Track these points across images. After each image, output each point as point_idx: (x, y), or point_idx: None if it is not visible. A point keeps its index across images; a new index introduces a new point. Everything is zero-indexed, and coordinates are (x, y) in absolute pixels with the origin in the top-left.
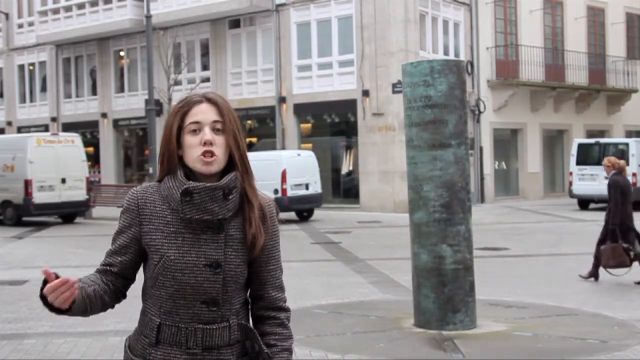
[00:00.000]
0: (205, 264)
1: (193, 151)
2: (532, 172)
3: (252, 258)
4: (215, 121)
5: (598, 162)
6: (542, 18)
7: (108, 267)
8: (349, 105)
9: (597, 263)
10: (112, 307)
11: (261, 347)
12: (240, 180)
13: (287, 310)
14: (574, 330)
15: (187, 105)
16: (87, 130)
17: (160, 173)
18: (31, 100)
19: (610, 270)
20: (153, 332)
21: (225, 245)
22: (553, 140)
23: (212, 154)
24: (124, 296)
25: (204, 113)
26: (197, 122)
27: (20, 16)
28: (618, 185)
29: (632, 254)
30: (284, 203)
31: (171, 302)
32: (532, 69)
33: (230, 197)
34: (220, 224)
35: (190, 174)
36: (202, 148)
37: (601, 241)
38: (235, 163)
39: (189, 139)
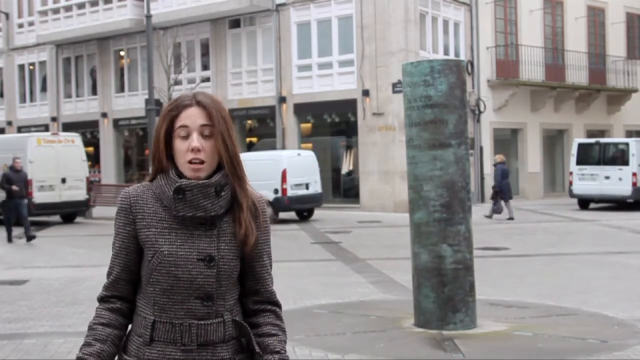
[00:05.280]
0: (198, 258)
1: (181, 156)
2: (532, 172)
3: (246, 254)
4: (203, 125)
5: (598, 162)
6: (542, 18)
7: (114, 280)
8: (349, 105)
9: None
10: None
11: (254, 345)
12: (231, 181)
13: (280, 305)
14: (574, 330)
15: (176, 109)
16: (87, 130)
17: (153, 173)
18: (31, 100)
19: None
20: (147, 330)
21: (218, 240)
22: (553, 140)
23: (200, 160)
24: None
25: (192, 117)
26: (185, 127)
27: (20, 16)
28: None
29: None
30: (284, 203)
31: (165, 298)
32: (532, 68)
33: (223, 193)
34: (212, 220)
35: (182, 172)
36: (190, 154)
37: None
38: (224, 166)
39: (178, 144)
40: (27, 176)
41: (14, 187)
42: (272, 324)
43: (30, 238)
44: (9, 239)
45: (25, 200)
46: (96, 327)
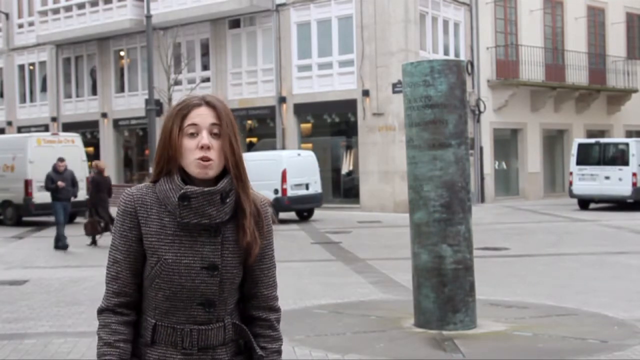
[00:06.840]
0: (202, 266)
1: (190, 155)
2: (532, 172)
3: (248, 262)
4: (213, 124)
5: (598, 162)
6: (542, 18)
7: (123, 284)
8: (349, 105)
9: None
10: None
11: (254, 346)
12: (235, 185)
13: (277, 310)
14: (574, 330)
15: (186, 108)
16: (87, 130)
17: (155, 174)
18: (31, 100)
19: (87, 236)
20: (148, 332)
21: (222, 248)
22: (553, 140)
23: (209, 158)
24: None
25: (202, 116)
26: (195, 125)
27: (20, 16)
28: (95, 181)
29: (102, 224)
30: (284, 203)
31: (168, 304)
32: (532, 69)
33: (228, 200)
34: (217, 227)
35: (186, 177)
36: (200, 152)
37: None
38: (229, 169)
39: (187, 142)
40: (73, 174)
41: (60, 183)
42: (263, 336)
43: (59, 247)
44: (57, 246)
45: (70, 203)
46: (119, 345)
